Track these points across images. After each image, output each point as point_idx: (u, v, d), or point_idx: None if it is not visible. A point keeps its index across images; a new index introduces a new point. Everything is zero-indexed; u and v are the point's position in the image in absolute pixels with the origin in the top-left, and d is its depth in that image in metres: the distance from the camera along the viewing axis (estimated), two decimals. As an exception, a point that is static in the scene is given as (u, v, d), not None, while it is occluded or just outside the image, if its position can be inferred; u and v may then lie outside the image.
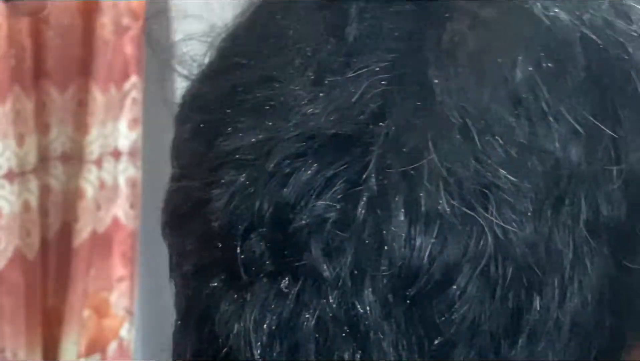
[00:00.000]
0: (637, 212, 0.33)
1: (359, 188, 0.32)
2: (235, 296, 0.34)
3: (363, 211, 0.32)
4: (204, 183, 0.35)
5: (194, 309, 0.36)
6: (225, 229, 0.34)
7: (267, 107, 0.34)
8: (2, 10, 1.04)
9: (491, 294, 0.32)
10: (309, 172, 0.32)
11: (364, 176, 0.32)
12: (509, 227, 0.31)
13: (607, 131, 0.32)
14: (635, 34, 0.34)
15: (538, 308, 0.32)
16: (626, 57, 0.33)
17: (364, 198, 0.32)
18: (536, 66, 0.32)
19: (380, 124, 0.32)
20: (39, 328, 1.25)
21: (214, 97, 0.37)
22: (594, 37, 0.33)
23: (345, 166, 0.32)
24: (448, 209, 0.31)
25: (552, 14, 0.33)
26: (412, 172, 0.31)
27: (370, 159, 0.32)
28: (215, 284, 0.35)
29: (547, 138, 0.32)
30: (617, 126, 0.32)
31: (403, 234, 0.31)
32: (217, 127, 0.35)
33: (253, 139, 0.34)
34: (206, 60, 0.40)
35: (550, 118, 0.32)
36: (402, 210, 0.31)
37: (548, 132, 0.32)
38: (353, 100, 0.33)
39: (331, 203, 0.32)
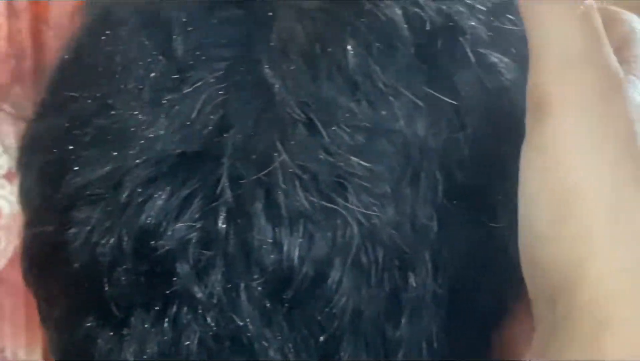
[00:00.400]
0: (490, 173, 0.33)
1: (216, 202, 0.32)
2: (112, 333, 0.34)
3: (224, 225, 0.31)
4: (58, 225, 0.34)
5: (71, 353, 0.36)
6: (88, 268, 0.33)
7: (109, 137, 0.34)
8: (2, 10, 1.04)
9: (367, 281, 0.32)
10: (164, 196, 0.32)
11: (219, 190, 0.32)
12: (371, 212, 0.32)
13: (447, 100, 0.33)
14: (461, 4, 0.34)
15: (414, 285, 0.32)
16: (450, 23, 0.34)
17: (223, 212, 0.32)
18: (366, 49, 0.33)
19: (225, 134, 0.32)
20: (39, 328, 1.25)
21: (53, 136, 0.36)
22: (416, 10, 0.33)
23: (199, 184, 0.32)
24: (308, 206, 0.31)
25: None
26: (265, 176, 0.31)
27: (222, 172, 0.32)
28: (89, 324, 0.34)
29: (391, 118, 0.32)
30: (455, 93, 0.33)
31: (269, 240, 0.31)
32: (62, 165, 0.35)
33: (101, 172, 0.33)
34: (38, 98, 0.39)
35: (390, 98, 0.32)
36: (263, 216, 0.31)
37: (391, 112, 0.32)
38: (193, 115, 0.32)
39: (191, 223, 0.32)
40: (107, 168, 0.33)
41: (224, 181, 0.31)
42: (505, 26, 0.35)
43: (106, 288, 0.33)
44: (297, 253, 0.31)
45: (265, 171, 0.31)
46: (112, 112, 0.34)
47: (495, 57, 0.34)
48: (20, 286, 1.24)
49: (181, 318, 0.32)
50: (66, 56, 0.38)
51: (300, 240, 0.31)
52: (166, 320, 0.32)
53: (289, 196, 0.31)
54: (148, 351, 0.33)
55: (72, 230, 0.34)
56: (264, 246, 0.31)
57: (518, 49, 0.34)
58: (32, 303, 0.38)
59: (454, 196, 0.33)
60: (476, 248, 0.33)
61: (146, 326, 0.33)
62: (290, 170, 0.31)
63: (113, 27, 0.36)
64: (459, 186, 0.33)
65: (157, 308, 0.33)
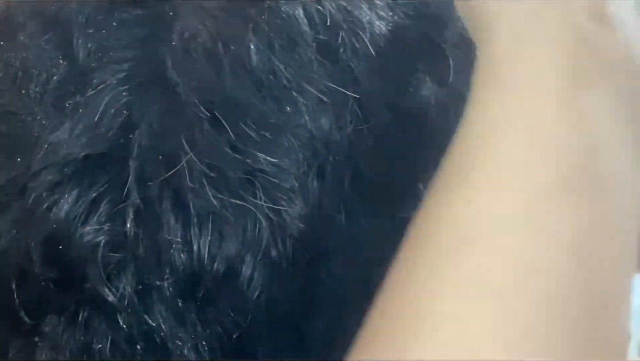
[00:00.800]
0: (395, 164, 0.34)
1: (123, 204, 0.32)
2: (23, 341, 0.33)
3: (132, 227, 0.31)
4: None
5: None
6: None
7: (12, 144, 0.33)
8: None
9: (278, 276, 0.32)
10: (70, 200, 0.32)
11: (126, 192, 0.31)
12: (280, 207, 0.32)
13: (349, 93, 0.33)
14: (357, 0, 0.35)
15: (326, 277, 0.33)
16: (350, 18, 0.34)
17: (131, 213, 0.31)
18: (269, 46, 0.33)
19: (131, 136, 0.32)
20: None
21: None
22: (317, 7, 0.34)
23: (105, 186, 0.32)
24: (217, 204, 0.32)
25: None
26: (173, 176, 0.32)
27: (129, 174, 0.32)
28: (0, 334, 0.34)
29: (295, 113, 0.33)
30: (357, 87, 0.33)
31: (179, 239, 0.32)
32: None
33: (6, 178, 0.33)
34: None
35: (294, 93, 0.33)
36: (172, 216, 0.32)
37: (295, 108, 0.33)
38: (97, 118, 0.32)
39: (99, 226, 0.32)
40: (12, 174, 0.33)
41: (131, 183, 0.31)
42: (405, 20, 0.35)
43: (15, 296, 0.33)
44: (207, 251, 0.31)
45: (173, 171, 0.31)
46: (15, 119, 0.33)
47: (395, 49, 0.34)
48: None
49: (92, 322, 0.32)
50: None
51: (210, 238, 0.31)
52: (78, 324, 0.32)
53: (197, 195, 0.31)
54: (61, 357, 0.33)
55: None
56: (174, 246, 0.31)
57: (417, 42, 0.35)
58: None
59: (361, 187, 0.33)
60: (383, 239, 0.33)
61: (58, 332, 0.33)
62: (198, 169, 0.31)
63: (12, 32, 0.35)
64: (365, 178, 0.33)
65: (68, 313, 0.32)
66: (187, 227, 0.31)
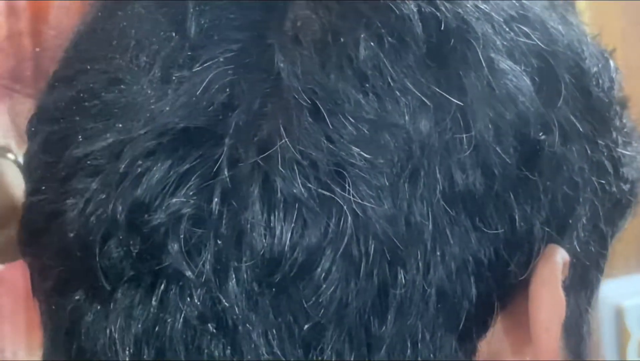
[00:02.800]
0: (489, 177, 0.33)
1: (212, 181, 0.32)
2: (99, 307, 0.34)
3: (218, 204, 0.32)
4: (57, 194, 0.35)
5: (59, 326, 0.36)
6: (81, 238, 0.34)
7: (116, 110, 0.34)
8: (2, 10, 1.04)
9: (356, 273, 0.32)
10: (162, 169, 0.32)
11: (216, 169, 0.32)
12: (367, 204, 0.32)
13: (454, 100, 0.33)
14: (470, 4, 0.34)
15: (403, 282, 0.32)
16: (465, 26, 0.34)
17: (218, 191, 0.32)
18: (379, 43, 0.33)
19: (230, 114, 0.32)
20: (39, 328, 1.25)
21: (60, 107, 0.36)
22: (432, 10, 0.34)
23: (198, 160, 0.32)
24: (305, 192, 0.31)
25: None
26: (265, 160, 0.32)
27: (222, 151, 0.32)
28: (78, 297, 0.34)
29: (396, 112, 0.32)
30: (462, 95, 0.33)
31: (262, 223, 0.32)
32: (67, 136, 0.35)
33: (103, 143, 0.34)
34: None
35: (397, 93, 0.33)
36: (258, 199, 0.32)
37: (396, 107, 0.32)
38: (199, 92, 0.33)
39: (185, 199, 0.32)
40: (110, 140, 0.33)
41: (223, 161, 0.32)
42: (520, 38, 0.35)
43: (97, 260, 0.33)
44: (289, 238, 0.31)
45: (265, 154, 0.31)
46: (121, 86, 0.34)
47: (506, 65, 0.34)
48: (21, 287, 1.24)
49: (168, 296, 0.32)
50: (80, 30, 0.38)
51: (294, 225, 0.31)
52: (153, 296, 0.33)
53: (286, 181, 0.31)
54: (133, 329, 0.33)
55: (70, 200, 0.34)
56: (256, 229, 0.32)
57: (532, 61, 0.35)
58: (32, 303, 0.38)
59: (451, 197, 0.33)
60: (468, 252, 0.33)
61: (133, 301, 0.33)
62: (290, 155, 0.32)
63: (129, 2, 0.36)
64: (457, 188, 0.33)
65: (145, 283, 0.33)
66: (272, 212, 0.32)
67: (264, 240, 0.32)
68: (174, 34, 0.34)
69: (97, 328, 0.34)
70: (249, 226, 0.32)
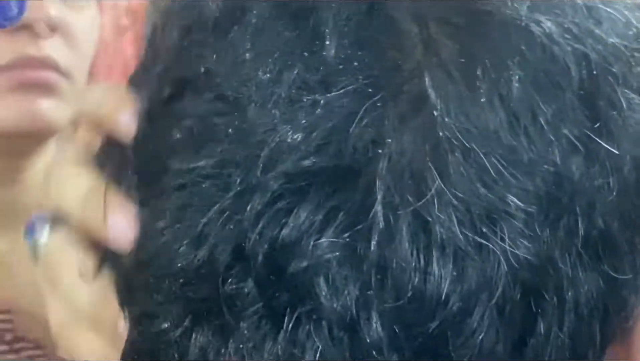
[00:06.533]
0: (625, 223, 0.33)
1: (365, 222, 0.30)
2: (218, 337, 0.32)
3: (372, 246, 0.30)
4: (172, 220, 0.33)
5: (161, 352, 0.34)
6: (207, 267, 0.32)
7: (226, 126, 0.32)
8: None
9: (500, 320, 0.31)
10: (307, 209, 0.30)
11: (372, 211, 0.30)
12: (519, 252, 0.31)
13: (604, 144, 0.32)
14: (610, 42, 0.33)
15: (542, 331, 0.32)
16: (612, 69, 0.33)
17: (373, 232, 0.30)
18: (533, 83, 0.31)
19: (379, 150, 0.30)
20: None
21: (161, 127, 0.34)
22: (582, 49, 0.32)
23: (346, 198, 0.30)
24: (462, 238, 0.30)
25: (542, 27, 0.32)
26: (420, 202, 0.30)
27: (374, 189, 0.30)
28: (191, 326, 0.33)
29: (548, 157, 0.31)
30: (610, 139, 0.32)
31: (412, 265, 0.30)
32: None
33: (212, 161, 0.32)
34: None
35: (550, 136, 0.31)
36: (411, 241, 0.30)
37: (549, 151, 0.31)
38: (341, 123, 0.31)
39: (334, 239, 0.30)
40: (218, 157, 0.32)
41: (377, 203, 0.30)
42: None
43: (222, 287, 0.31)
44: (446, 284, 0.30)
45: (424, 200, 0.30)
46: (233, 102, 0.32)
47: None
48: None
49: (300, 330, 0.31)
50: (175, 38, 0.36)
51: (451, 271, 0.30)
52: (281, 331, 0.31)
53: (443, 225, 0.30)
54: (257, 358, 0.31)
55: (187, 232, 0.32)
56: (406, 271, 0.30)
57: None
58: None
59: (588, 242, 0.32)
60: (599, 299, 0.33)
61: (259, 333, 0.31)
62: (447, 199, 0.30)
63: (237, 11, 0.34)
64: (595, 233, 0.32)
65: (273, 317, 0.31)
66: (428, 255, 0.30)
67: (415, 283, 0.30)
68: (305, 53, 0.32)
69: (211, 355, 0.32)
70: (398, 267, 0.30)
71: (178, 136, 0.33)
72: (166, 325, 0.33)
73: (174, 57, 0.35)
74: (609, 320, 0.34)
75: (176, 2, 0.37)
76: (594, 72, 0.32)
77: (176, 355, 0.33)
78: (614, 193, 0.32)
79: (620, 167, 0.32)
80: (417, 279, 0.30)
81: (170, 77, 0.35)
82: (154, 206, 0.33)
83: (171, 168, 0.33)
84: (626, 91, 0.33)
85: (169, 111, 0.34)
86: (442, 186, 0.30)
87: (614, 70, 0.33)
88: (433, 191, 0.30)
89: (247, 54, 0.33)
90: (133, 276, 0.34)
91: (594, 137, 0.32)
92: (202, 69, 0.33)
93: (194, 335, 0.32)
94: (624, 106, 0.33)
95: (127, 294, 0.35)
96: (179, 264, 0.32)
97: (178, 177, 0.33)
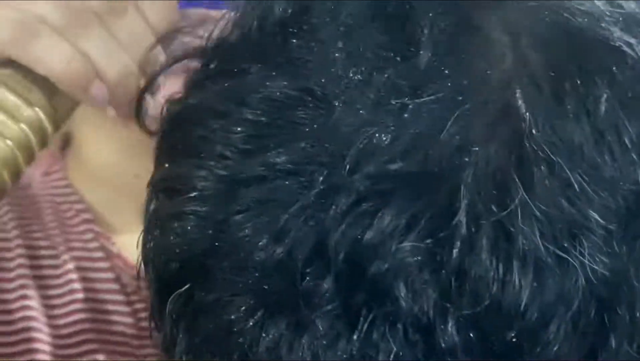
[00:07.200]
0: None
1: (448, 229, 0.30)
2: (292, 329, 0.32)
3: (454, 253, 0.30)
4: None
5: (230, 344, 0.34)
6: (285, 264, 0.32)
7: (309, 127, 0.32)
8: None
9: (574, 333, 0.31)
10: (391, 213, 0.31)
11: (455, 218, 0.30)
12: (597, 267, 0.31)
13: None
14: None
15: (613, 347, 0.32)
16: None
17: (455, 239, 0.30)
18: (620, 101, 0.32)
19: (466, 159, 0.31)
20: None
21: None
22: None
23: (430, 204, 0.31)
24: (544, 250, 0.30)
25: (634, 49, 0.33)
26: (504, 213, 0.30)
27: (458, 197, 0.30)
28: (260, 316, 0.33)
29: (631, 175, 0.32)
30: None
31: (492, 274, 0.30)
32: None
33: (288, 157, 0.32)
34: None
35: (634, 155, 0.32)
36: (492, 250, 0.30)
37: (632, 169, 0.32)
38: (428, 129, 0.31)
39: (417, 244, 0.30)
40: (300, 155, 0.32)
41: (461, 210, 0.30)
42: None
43: (298, 286, 0.32)
44: (526, 295, 0.30)
45: (508, 210, 0.30)
46: (319, 100, 0.32)
47: None
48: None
49: (375, 331, 0.31)
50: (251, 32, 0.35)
51: (532, 282, 0.31)
52: (357, 330, 0.31)
53: (526, 237, 0.30)
54: (327, 357, 0.32)
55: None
56: (485, 280, 0.30)
57: None
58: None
59: None
60: None
61: (331, 334, 0.32)
62: (530, 211, 0.30)
63: (328, 6, 0.34)
64: None
65: (349, 316, 0.31)
66: (508, 265, 0.30)
67: (494, 292, 0.30)
68: (397, 58, 0.32)
69: (286, 354, 0.32)
70: (476, 275, 0.31)
71: (250, 116, 0.33)
72: (239, 315, 0.33)
73: (253, 37, 0.35)
74: None
75: None
76: None
77: (246, 345, 0.33)
78: None
79: None
80: (495, 288, 0.30)
81: (247, 56, 0.35)
82: (230, 193, 0.33)
83: (249, 155, 0.33)
84: None
85: (234, 85, 0.34)
86: (526, 197, 0.30)
87: None
88: (517, 202, 0.30)
89: (338, 53, 0.33)
90: (209, 263, 0.34)
91: None
92: (288, 57, 0.33)
93: (266, 327, 0.33)
94: None
95: (202, 280, 0.34)
96: (258, 258, 0.32)
97: (257, 168, 0.33)
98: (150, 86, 0.42)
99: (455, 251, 0.30)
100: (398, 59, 0.32)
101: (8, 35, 0.46)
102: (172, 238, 0.35)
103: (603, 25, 0.33)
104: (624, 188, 0.32)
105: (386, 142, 0.31)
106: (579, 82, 0.32)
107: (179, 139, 0.36)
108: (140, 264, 0.37)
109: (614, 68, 0.32)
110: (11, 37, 0.46)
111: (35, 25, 0.45)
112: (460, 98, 0.31)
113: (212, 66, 0.36)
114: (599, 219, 0.31)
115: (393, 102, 0.32)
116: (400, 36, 0.33)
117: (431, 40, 0.32)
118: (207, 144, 0.34)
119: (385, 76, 0.32)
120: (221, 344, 0.34)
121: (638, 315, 0.32)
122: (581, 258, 0.31)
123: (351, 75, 0.32)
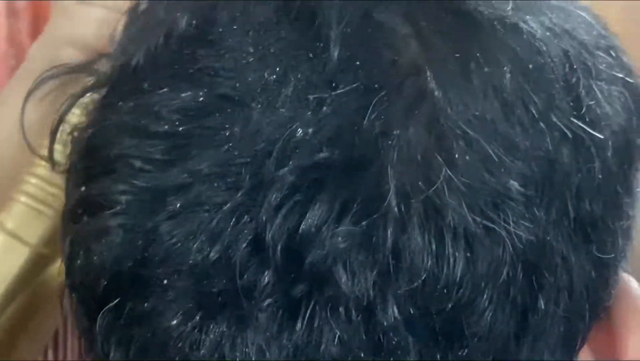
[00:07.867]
0: (611, 204, 0.35)
1: (380, 210, 0.31)
2: (233, 323, 0.33)
3: (388, 233, 0.31)
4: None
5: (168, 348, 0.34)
6: (224, 260, 0.32)
7: (231, 130, 0.33)
8: (2, 10, 1.03)
9: (506, 300, 0.33)
10: (325, 199, 0.32)
11: (386, 200, 0.31)
12: (522, 234, 0.32)
13: (589, 130, 0.34)
14: (581, 40, 0.36)
15: (543, 308, 0.34)
16: (587, 63, 0.35)
17: (388, 220, 0.31)
18: (523, 74, 0.33)
19: (389, 142, 0.32)
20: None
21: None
22: (562, 46, 0.35)
23: (360, 189, 0.32)
24: (472, 223, 0.32)
25: (529, 24, 0.34)
26: (431, 189, 0.32)
27: (386, 179, 0.32)
28: (199, 318, 0.33)
29: (541, 144, 0.33)
30: (592, 126, 0.34)
31: (426, 250, 0.32)
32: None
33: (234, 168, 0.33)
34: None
35: (542, 125, 0.33)
36: (424, 228, 0.32)
37: (541, 139, 0.33)
38: (351, 116, 0.32)
39: (351, 228, 0.31)
40: (240, 160, 0.32)
41: (391, 192, 0.31)
42: (612, 70, 0.37)
43: (240, 274, 0.32)
44: (460, 266, 0.32)
45: (435, 187, 0.31)
46: (238, 103, 0.33)
47: (616, 91, 0.36)
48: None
49: (318, 317, 0.32)
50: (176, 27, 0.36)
51: (465, 254, 0.32)
52: (300, 318, 0.32)
53: (454, 211, 0.32)
54: (272, 350, 0.32)
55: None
56: (420, 255, 0.32)
57: (621, 90, 0.37)
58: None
59: (576, 225, 0.34)
60: (587, 278, 0.35)
61: (275, 320, 0.32)
62: (455, 186, 0.32)
63: (237, 5, 0.35)
64: (582, 215, 0.34)
65: (290, 306, 0.32)
66: (440, 240, 0.32)
67: (428, 267, 0.32)
68: (310, 54, 0.33)
69: (229, 350, 0.33)
70: (412, 252, 0.32)
71: (166, 128, 0.33)
72: (177, 320, 0.33)
73: (160, 53, 0.35)
74: (597, 296, 0.36)
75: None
76: (574, 66, 0.35)
77: (187, 349, 0.33)
78: (600, 177, 0.35)
79: (604, 152, 0.35)
80: (430, 262, 0.32)
81: (156, 72, 0.35)
82: (156, 202, 0.33)
83: (170, 165, 0.33)
84: (599, 83, 0.35)
85: (146, 101, 0.34)
86: (450, 173, 0.32)
87: (588, 64, 0.35)
88: (442, 178, 0.32)
89: (251, 57, 0.34)
90: (141, 273, 0.34)
91: (580, 124, 0.34)
92: (199, 67, 0.34)
93: (206, 329, 0.33)
94: (599, 95, 0.35)
95: (134, 291, 0.34)
96: (192, 261, 0.33)
97: (180, 176, 0.33)
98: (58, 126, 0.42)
99: (389, 231, 0.31)
100: (310, 55, 0.33)
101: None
102: (99, 255, 0.35)
103: (494, 4, 0.35)
104: (536, 156, 0.33)
105: (310, 135, 0.32)
106: (482, 61, 0.33)
107: (95, 161, 0.36)
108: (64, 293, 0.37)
109: (512, 43, 0.34)
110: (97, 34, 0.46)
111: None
112: (376, 86, 0.32)
113: (122, 87, 0.36)
114: (519, 187, 0.33)
115: (310, 97, 0.32)
116: (309, 34, 0.34)
117: (339, 35, 0.33)
118: (125, 161, 0.34)
119: (300, 73, 0.33)
120: (160, 352, 0.34)
121: (562, 276, 0.34)
122: (506, 226, 0.32)
123: (266, 76, 0.33)
